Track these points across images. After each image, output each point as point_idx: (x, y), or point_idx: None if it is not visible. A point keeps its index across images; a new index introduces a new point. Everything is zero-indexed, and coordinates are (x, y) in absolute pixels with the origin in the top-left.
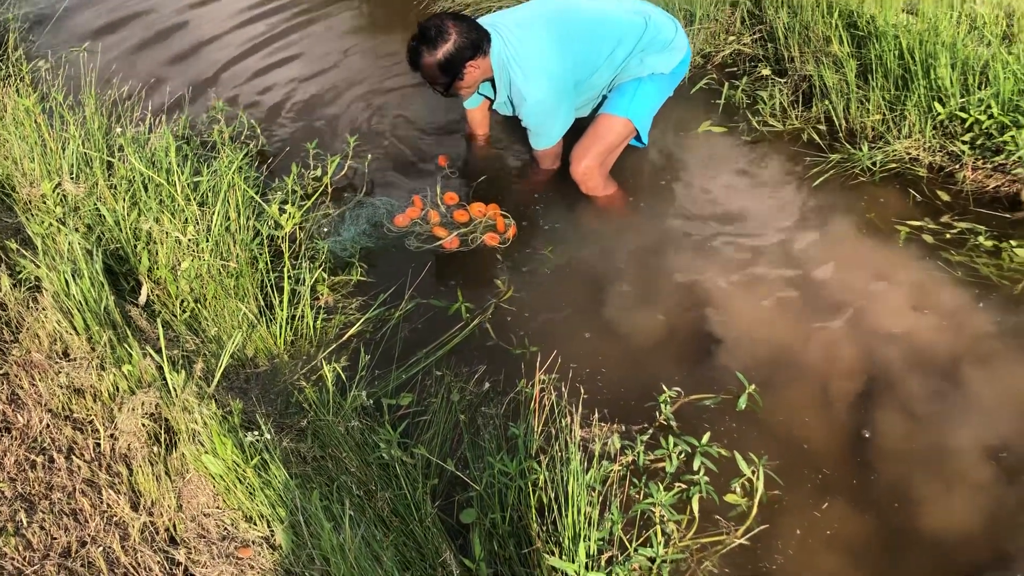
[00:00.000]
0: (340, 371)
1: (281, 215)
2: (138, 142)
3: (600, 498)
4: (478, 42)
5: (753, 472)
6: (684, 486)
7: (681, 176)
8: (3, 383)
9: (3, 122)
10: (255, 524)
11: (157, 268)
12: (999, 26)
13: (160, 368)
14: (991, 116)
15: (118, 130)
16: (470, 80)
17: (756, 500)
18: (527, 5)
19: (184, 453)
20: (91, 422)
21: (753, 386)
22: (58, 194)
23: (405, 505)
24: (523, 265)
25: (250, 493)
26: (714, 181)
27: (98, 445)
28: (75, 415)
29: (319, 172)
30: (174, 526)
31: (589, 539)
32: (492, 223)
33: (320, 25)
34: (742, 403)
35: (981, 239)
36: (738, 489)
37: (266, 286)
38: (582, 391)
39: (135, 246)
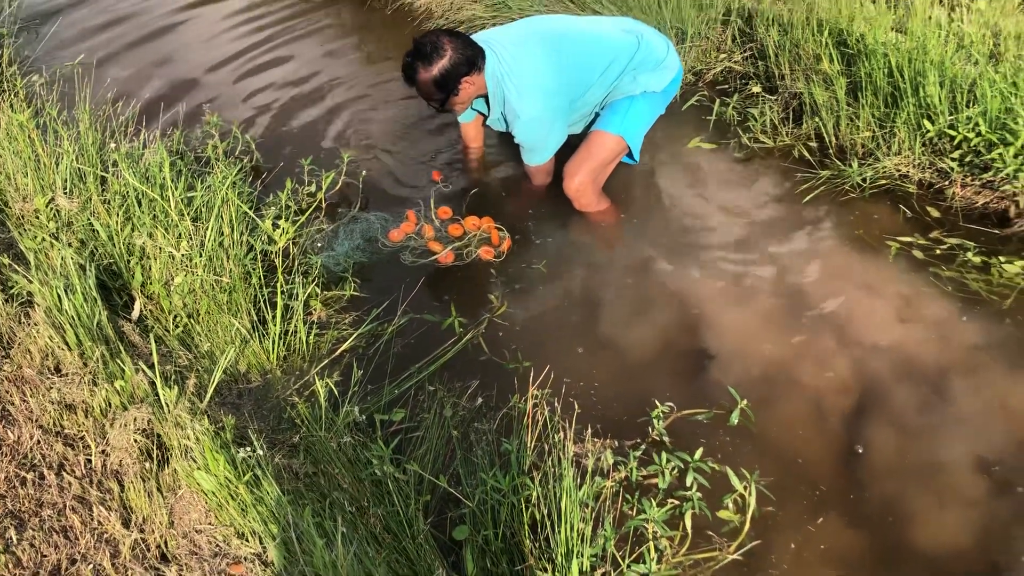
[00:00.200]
0: (333, 386)
1: (275, 230)
2: (132, 157)
3: (593, 514)
4: (473, 58)
5: (745, 488)
6: (677, 502)
7: (673, 192)
8: None
9: None
10: (247, 541)
11: (150, 283)
12: (986, 45)
13: (152, 383)
14: (979, 134)
15: (112, 145)
16: (465, 96)
17: (748, 516)
18: (521, 23)
19: (176, 469)
20: (82, 438)
21: (745, 401)
22: (51, 209)
23: (398, 522)
24: (516, 280)
25: (242, 509)
26: (706, 197)
27: (89, 461)
28: (66, 431)
29: (313, 187)
30: (165, 543)
31: (582, 556)
32: (487, 237)
33: (313, 41)
34: (734, 418)
35: (970, 255)
36: (731, 505)
37: (259, 301)
38: (575, 406)
39: (128, 261)
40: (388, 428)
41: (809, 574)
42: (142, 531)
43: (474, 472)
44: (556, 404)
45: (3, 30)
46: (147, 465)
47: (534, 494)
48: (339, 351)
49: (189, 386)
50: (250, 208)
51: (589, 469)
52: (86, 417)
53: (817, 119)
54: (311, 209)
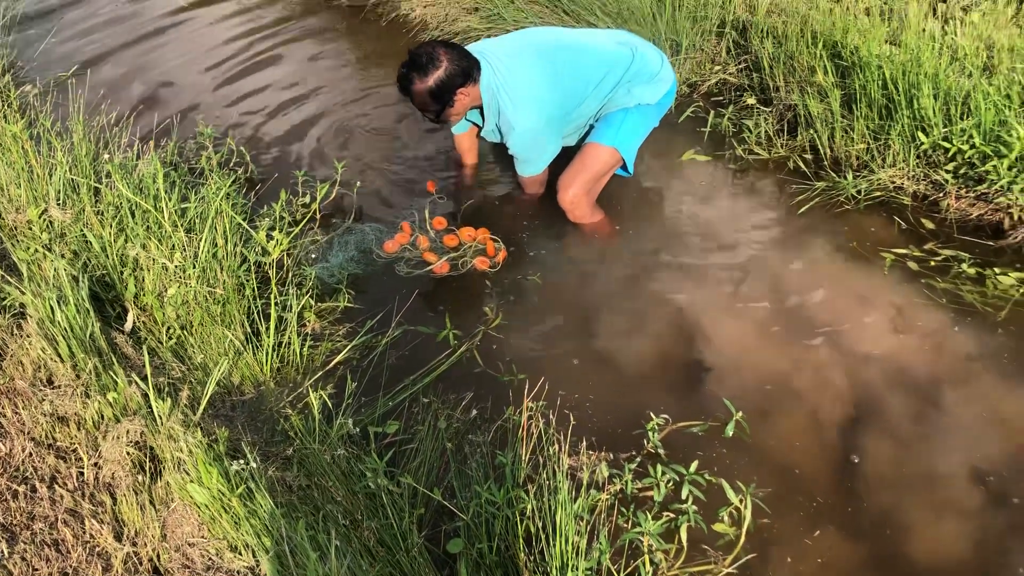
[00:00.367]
0: (326, 399)
1: (269, 241)
2: (126, 168)
3: (588, 527)
4: (468, 70)
5: (741, 500)
6: (672, 515)
7: (667, 204)
8: None
9: None
10: (240, 554)
11: (143, 295)
12: (980, 58)
13: (145, 395)
14: (973, 146)
15: (106, 156)
16: (460, 107)
17: (744, 529)
18: (516, 35)
19: (169, 482)
20: (75, 450)
21: (740, 413)
22: (44, 220)
23: (391, 535)
24: (511, 292)
25: (235, 522)
26: (700, 209)
27: (81, 474)
28: (59, 443)
29: (308, 198)
30: (158, 556)
31: (577, 569)
32: (482, 247)
33: (308, 52)
34: (730, 430)
35: (965, 266)
36: (726, 518)
37: (253, 313)
38: (570, 418)
39: (121, 272)
40: (382, 440)
41: None
42: (134, 544)
43: (468, 485)
44: (551, 416)
45: None
46: (140, 478)
47: (529, 507)
48: (333, 363)
49: (182, 398)
50: (244, 219)
51: (584, 482)
52: (78, 429)
53: (812, 131)
54: (305, 220)
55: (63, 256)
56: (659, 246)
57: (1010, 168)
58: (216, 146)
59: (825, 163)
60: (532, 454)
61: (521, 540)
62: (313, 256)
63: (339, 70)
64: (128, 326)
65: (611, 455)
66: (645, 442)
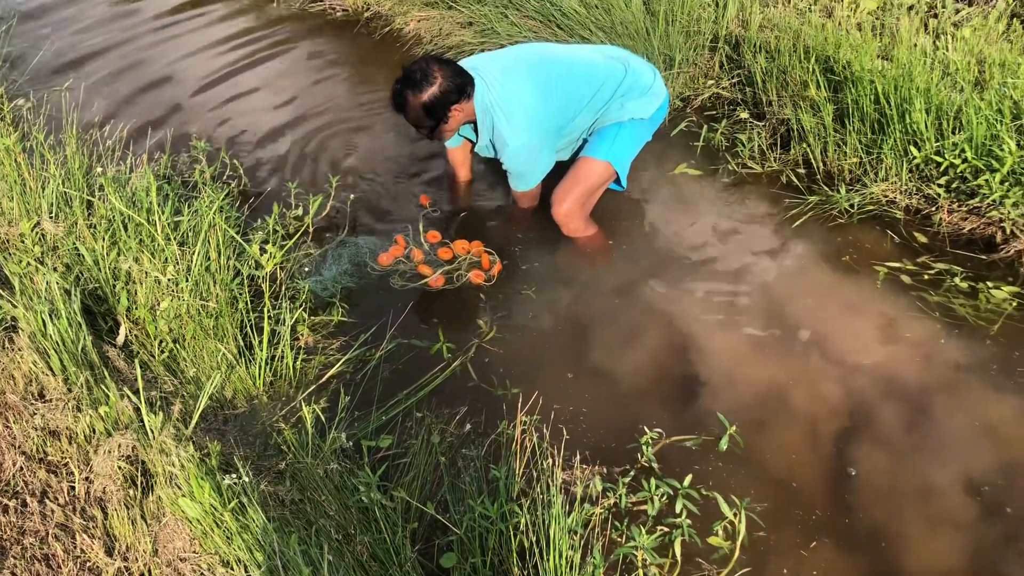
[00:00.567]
0: (319, 413)
1: (262, 255)
2: (119, 181)
3: (582, 542)
4: (462, 86)
5: (735, 514)
6: (666, 529)
7: (661, 218)
8: None
9: None
10: (232, 569)
11: (136, 308)
12: (971, 72)
13: (137, 409)
14: (965, 160)
15: (99, 169)
16: (454, 123)
17: (739, 542)
18: (509, 50)
19: (161, 496)
20: (66, 465)
21: (734, 427)
22: (37, 233)
23: (384, 549)
24: (505, 305)
25: (227, 537)
26: (694, 223)
27: (73, 488)
28: (50, 458)
29: (301, 211)
30: (149, 571)
31: None
32: (476, 260)
33: (302, 66)
34: (723, 444)
35: (957, 280)
36: (721, 532)
37: (246, 326)
38: (564, 432)
39: (114, 286)
40: (375, 455)
41: None
42: (125, 559)
43: (462, 499)
44: (545, 430)
45: None
46: (131, 492)
47: (522, 521)
48: (326, 377)
49: (174, 412)
50: (237, 233)
51: (578, 496)
52: (70, 443)
53: (805, 145)
54: (299, 234)
55: (55, 269)
56: (652, 260)
57: (1002, 182)
58: (209, 159)
59: (818, 177)
60: (526, 468)
61: (515, 554)
62: (306, 269)
63: (333, 84)
64: (120, 340)
65: (605, 469)
66: (639, 456)
